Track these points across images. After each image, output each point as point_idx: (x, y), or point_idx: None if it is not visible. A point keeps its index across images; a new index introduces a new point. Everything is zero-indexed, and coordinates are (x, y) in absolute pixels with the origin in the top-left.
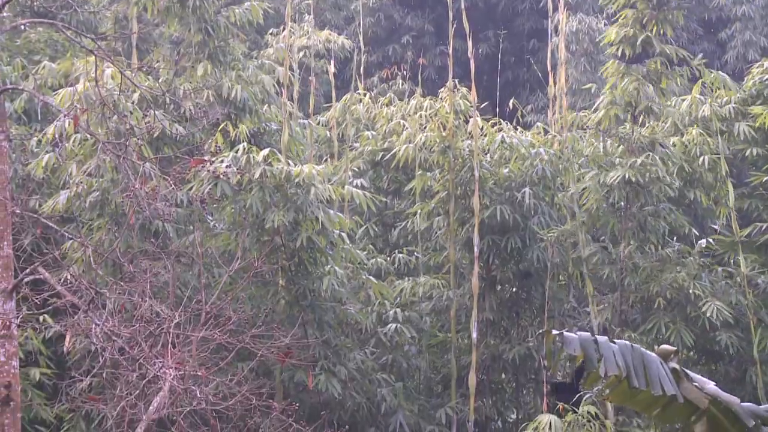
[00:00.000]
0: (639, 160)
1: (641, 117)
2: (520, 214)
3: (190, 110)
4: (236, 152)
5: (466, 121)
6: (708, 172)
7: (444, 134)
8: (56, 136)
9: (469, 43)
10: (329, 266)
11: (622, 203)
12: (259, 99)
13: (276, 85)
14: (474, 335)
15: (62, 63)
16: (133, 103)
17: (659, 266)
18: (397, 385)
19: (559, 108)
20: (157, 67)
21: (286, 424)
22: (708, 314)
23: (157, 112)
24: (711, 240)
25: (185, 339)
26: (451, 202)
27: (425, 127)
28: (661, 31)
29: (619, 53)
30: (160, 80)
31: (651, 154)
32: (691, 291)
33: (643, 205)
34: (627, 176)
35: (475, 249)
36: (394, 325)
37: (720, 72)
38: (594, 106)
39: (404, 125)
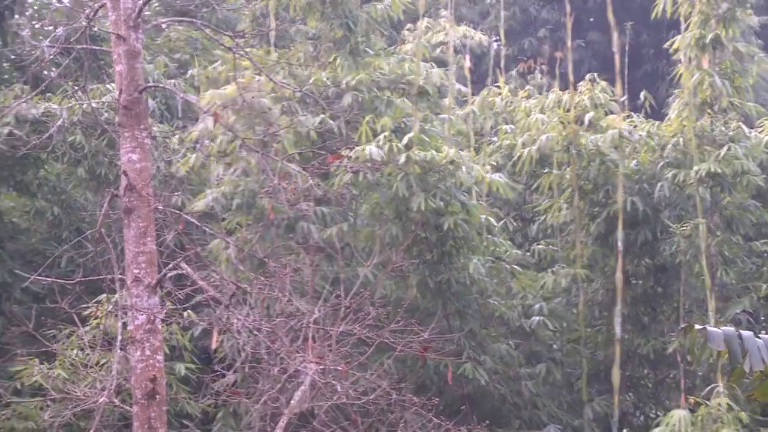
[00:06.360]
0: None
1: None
2: (650, 206)
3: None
4: (378, 141)
5: (606, 114)
6: None
7: (565, 132)
8: (199, 135)
9: (615, 37)
10: (473, 257)
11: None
12: (399, 94)
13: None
14: (617, 330)
15: (208, 69)
16: (278, 101)
17: None
18: (539, 367)
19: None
20: (297, 64)
21: (427, 419)
22: None
23: (299, 109)
24: None
25: (325, 333)
26: (574, 196)
27: (546, 125)
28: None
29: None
30: (311, 79)
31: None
32: None
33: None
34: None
35: (619, 243)
36: (537, 318)
37: None
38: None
39: (541, 120)
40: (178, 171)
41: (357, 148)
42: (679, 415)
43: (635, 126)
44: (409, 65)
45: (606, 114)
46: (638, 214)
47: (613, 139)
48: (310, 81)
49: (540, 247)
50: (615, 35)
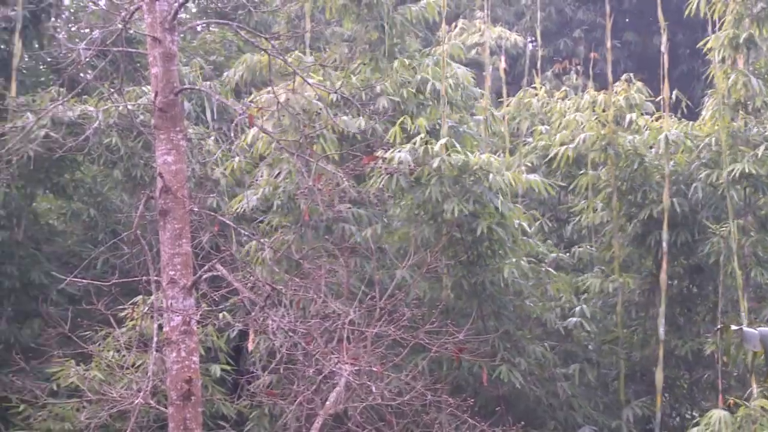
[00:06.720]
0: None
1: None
2: (688, 207)
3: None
4: (414, 144)
5: (642, 114)
6: None
7: (603, 132)
8: (238, 138)
9: (663, 38)
10: (509, 260)
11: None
12: (433, 96)
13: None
14: (661, 331)
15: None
16: (320, 103)
17: None
18: (573, 367)
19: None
20: (333, 65)
21: (462, 420)
22: None
23: (329, 112)
24: None
25: (360, 334)
26: (613, 197)
27: (584, 126)
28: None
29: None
30: (349, 78)
31: None
32: None
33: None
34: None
35: (664, 245)
36: (573, 320)
37: None
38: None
39: (577, 120)
40: (214, 173)
41: (390, 151)
42: (718, 415)
43: None
44: (433, 69)
45: (642, 114)
46: (677, 215)
47: (668, 142)
48: (343, 84)
49: (580, 249)
50: (664, 36)
